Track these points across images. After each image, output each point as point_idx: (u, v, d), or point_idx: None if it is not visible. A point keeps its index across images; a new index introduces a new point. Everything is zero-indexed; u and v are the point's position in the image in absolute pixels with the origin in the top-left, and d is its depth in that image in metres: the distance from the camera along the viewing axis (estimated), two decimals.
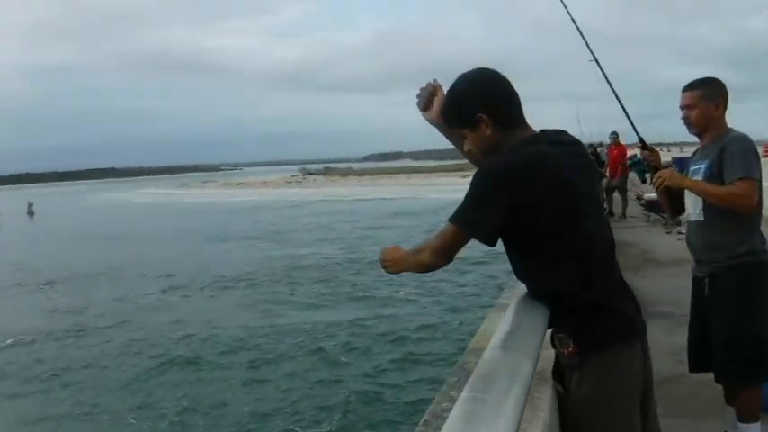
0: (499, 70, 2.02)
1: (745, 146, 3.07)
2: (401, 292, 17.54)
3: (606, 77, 3.47)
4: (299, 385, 11.37)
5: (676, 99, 3.25)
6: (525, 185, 1.81)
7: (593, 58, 3.49)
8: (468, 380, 1.18)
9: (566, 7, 3.40)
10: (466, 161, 2.25)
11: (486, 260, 18.76)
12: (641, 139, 3.45)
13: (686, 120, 3.21)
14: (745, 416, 3.19)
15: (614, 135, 14.80)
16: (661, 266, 8.15)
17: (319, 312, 16.45)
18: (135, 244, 31.98)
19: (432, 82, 2.29)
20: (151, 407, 10.74)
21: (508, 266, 2.04)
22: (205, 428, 9.93)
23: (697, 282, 3.33)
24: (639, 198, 15.16)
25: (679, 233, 11.01)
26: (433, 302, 16.78)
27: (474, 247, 2.00)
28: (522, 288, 1.96)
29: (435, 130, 2.26)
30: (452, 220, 1.87)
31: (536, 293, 1.99)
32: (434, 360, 11.93)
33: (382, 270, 2.19)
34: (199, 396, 11.20)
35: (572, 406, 1.90)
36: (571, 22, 3.37)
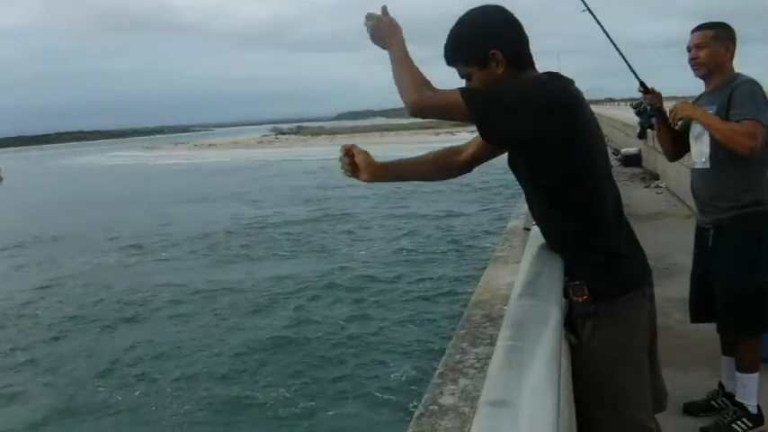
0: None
1: (755, 89, 3.03)
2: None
3: (601, 25, 3.41)
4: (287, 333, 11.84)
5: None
6: (559, 111, 1.79)
7: (585, 8, 3.42)
8: (487, 334, 1.16)
9: None
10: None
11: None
12: (642, 83, 3.41)
13: (694, 60, 3.15)
14: (746, 366, 3.23)
15: None
16: (640, 220, 8.22)
17: (279, 267, 17.11)
18: (104, 207, 32.03)
19: (343, 146, 2.11)
20: (116, 369, 10.93)
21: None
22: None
23: (701, 232, 3.32)
24: (616, 153, 15.28)
25: (657, 187, 11.16)
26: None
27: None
28: (531, 239, 1.95)
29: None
30: (465, 94, 1.79)
31: (553, 239, 1.98)
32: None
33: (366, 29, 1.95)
34: (162, 345, 11.71)
35: (585, 354, 1.91)
36: None
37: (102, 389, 10.03)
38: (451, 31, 1.96)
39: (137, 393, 9.74)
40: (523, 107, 1.77)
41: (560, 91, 1.83)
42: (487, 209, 24.45)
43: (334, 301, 13.67)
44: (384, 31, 1.92)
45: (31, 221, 28.27)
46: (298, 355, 10.78)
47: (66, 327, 13.25)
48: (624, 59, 3.44)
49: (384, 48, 1.92)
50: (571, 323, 1.92)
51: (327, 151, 61.70)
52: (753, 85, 3.04)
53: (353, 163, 2.06)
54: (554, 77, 1.88)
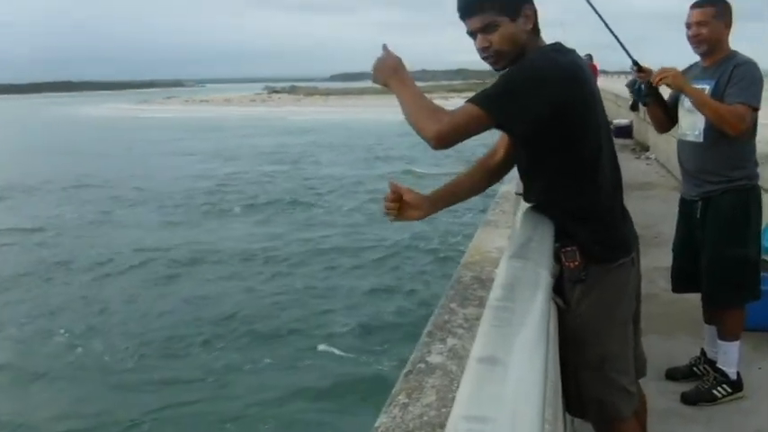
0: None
1: (756, 73, 3.07)
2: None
3: (594, 8, 3.41)
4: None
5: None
6: (570, 87, 1.80)
7: None
8: (476, 295, 1.18)
9: None
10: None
11: None
12: (635, 62, 3.41)
13: (696, 37, 3.16)
14: (728, 335, 3.31)
15: (589, 56, 14.85)
16: (630, 190, 8.25)
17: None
18: (84, 158, 32.37)
19: (391, 188, 2.04)
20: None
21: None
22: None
23: (688, 204, 3.36)
24: (608, 123, 15.29)
25: (647, 159, 11.20)
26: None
27: None
28: (523, 203, 1.97)
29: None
30: (480, 103, 1.75)
31: (548, 208, 1.98)
32: None
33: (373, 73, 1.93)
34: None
35: (572, 318, 1.95)
36: None
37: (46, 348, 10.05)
38: None
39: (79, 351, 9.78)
40: (539, 90, 1.76)
41: (570, 65, 1.82)
42: None
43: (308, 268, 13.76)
44: (387, 70, 1.88)
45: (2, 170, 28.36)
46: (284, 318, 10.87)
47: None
48: (618, 41, 3.45)
49: (387, 86, 1.88)
50: (560, 288, 1.95)
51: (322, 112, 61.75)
52: (754, 68, 3.07)
53: (401, 204, 2.02)
54: (560, 51, 1.87)
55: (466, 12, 1.88)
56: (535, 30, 1.90)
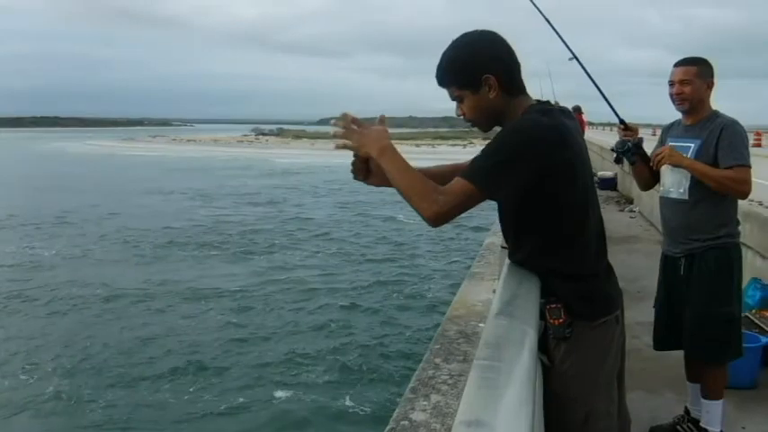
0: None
1: (743, 133, 3.15)
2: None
3: (588, 73, 3.48)
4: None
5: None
6: (556, 151, 1.80)
7: (572, 56, 3.49)
8: (461, 350, 1.17)
9: (539, 10, 3.34)
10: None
11: None
12: (622, 121, 3.47)
13: (679, 95, 3.22)
14: (711, 393, 3.29)
15: (577, 107, 15.07)
16: (614, 243, 8.32)
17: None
18: (58, 193, 32.22)
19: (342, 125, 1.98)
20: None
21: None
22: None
23: (671, 261, 3.37)
24: (593, 175, 15.46)
25: (631, 212, 11.30)
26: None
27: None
28: (507, 254, 1.96)
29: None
30: (473, 179, 1.77)
31: (533, 267, 1.97)
32: None
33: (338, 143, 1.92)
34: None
35: (557, 376, 1.92)
36: (546, 22, 3.33)
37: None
38: (445, 52, 1.95)
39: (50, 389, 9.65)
40: (526, 158, 1.77)
41: (556, 128, 1.83)
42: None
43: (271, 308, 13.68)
44: (377, 144, 1.88)
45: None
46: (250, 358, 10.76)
47: None
48: (606, 99, 3.52)
49: (373, 155, 1.87)
50: (544, 344, 1.94)
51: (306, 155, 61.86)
52: (740, 128, 3.16)
53: (366, 167, 2.02)
54: (545, 112, 1.88)
55: (438, 84, 1.99)
56: (510, 91, 1.92)
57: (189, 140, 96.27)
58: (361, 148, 1.89)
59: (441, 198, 1.75)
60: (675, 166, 3.22)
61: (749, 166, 3.09)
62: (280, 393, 9.38)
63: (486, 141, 1.92)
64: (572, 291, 1.91)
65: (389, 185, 1.99)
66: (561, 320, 1.88)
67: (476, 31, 1.97)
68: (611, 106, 3.42)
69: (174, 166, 51.70)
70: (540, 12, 3.29)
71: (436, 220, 1.76)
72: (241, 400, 9.21)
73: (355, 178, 2.07)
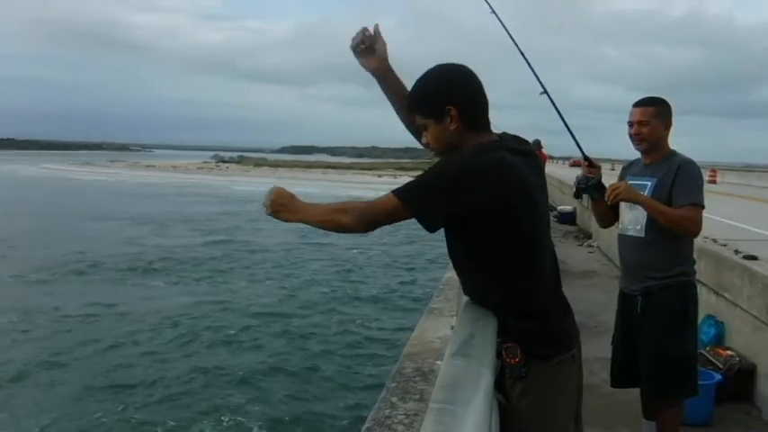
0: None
1: (698, 173, 3.21)
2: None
3: (557, 109, 3.53)
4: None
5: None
6: (491, 189, 1.79)
7: (543, 91, 3.53)
8: (417, 388, 1.14)
9: (514, 41, 3.39)
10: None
11: None
12: (587, 158, 3.51)
13: (637, 135, 3.27)
14: (667, 431, 3.30)
15: (537, 142, 15.25)
16: (573, 278, 8.41)
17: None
18: (5, 218, 31.13)
19: (371, 27, 2.23)
20: None
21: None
22: None
23: (628, 299, 3.39)
24: (552, 209, 15.64)
25: (590, 246, 11.43)
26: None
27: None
28: (462, 295, 1.94)
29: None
30: (399, 195, 1.82)
31: (486, 305, 1.96)
32: None
33: (266, 212, 1.99)
34: None
35: (513, 415, 1.90)
36: (519, 52, 3.38)
37: None
38: (417, 81, 2.00)
39: None
40: (453, 189, 1.79)
41: (494, 165, 1.83)
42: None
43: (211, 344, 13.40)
44: (284, 198, 1.96)
45: None
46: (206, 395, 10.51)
47: None
48: (574, 139, 3.57)
49: (288, 217, 1.95)
50: (501, 383, 1.91)
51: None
52: (695, 168, 3.22)
53: (370, 45, 2.21)
54: (487, 149, 1.88)
55: (408, 109, 2.07)
56: (471, 126, 1.94)
57: (148, 166, 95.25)
58: (276, 215, 1.96)
59: (359, 208, 1.87)
60: (630, 201, 3.26)
61: (702, 206, 3.14)
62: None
63: None
64: (527, 329, 1.90)
65: (378, 73, 2.24)
66: (517, 359, 1.87)
67: (449, 63, 2.00)
68: (576, 143, 3.46)
69: (129, 191, 50.95)
70: (517, 46, 3.35)
71: (360, 223, 1.85)
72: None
73: (356, 53, 2.22)
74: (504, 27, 3.34)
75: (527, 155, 1.97)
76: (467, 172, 1.80)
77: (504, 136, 2.00)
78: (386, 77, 2.28)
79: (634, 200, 3.22)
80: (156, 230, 29.36)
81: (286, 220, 1.96)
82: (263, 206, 1.96)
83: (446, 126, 1.92)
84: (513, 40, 3.26)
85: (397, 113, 2.32)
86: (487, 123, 1.99)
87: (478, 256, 1.92)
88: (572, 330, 2.04)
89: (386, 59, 2.26)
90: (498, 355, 1.87)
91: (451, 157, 1.90)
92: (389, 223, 1.87)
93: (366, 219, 1.85)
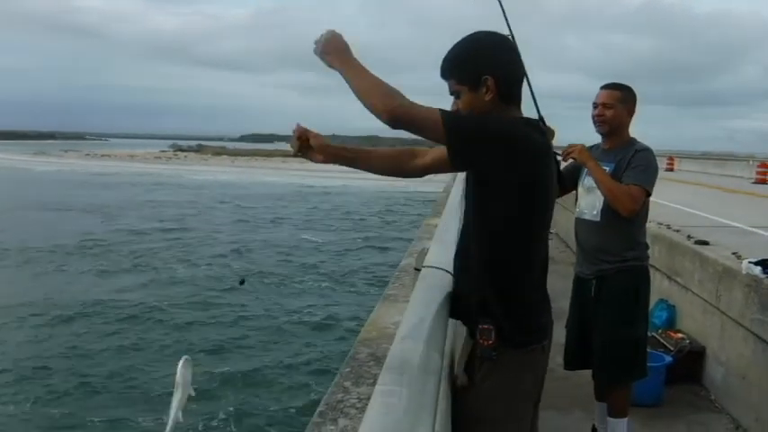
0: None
1: (652, 160, 3.28)
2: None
3: (534, 98, 3.54)
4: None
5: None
6: (527, 163, 1.78)
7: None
8: (371, 373, 1.15)
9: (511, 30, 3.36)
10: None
11: None
12: (542, 118, 3.55)
13: (600, 117, 3.31)
14: (617, 412, 3.38)
15: None
16: None
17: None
18: None
19: (297, 130, 2.03)
20: None
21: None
22: None
23: (583, 282, 3.45)
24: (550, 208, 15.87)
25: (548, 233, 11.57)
26: None
27: None
28: (419, 281, 1.94)
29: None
30: (444, 113, 1.75)
31: (473, 280, 1.93)
32: None
33: (314, 50, 1.87)
34: None
35: (474, 395, 1.89)
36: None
37: None
38: (454, 45, 1.94)
39: None
40: (500, 145, 1.76)
41: (535, 141, 1.83)
42: None
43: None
44: (339, 44, 1.85)
45: None
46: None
47: None
48: (534, 101, 3.59)
49: (334, 62, 1.84)
50: (470, 363, 1.91)
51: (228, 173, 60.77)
52: (652, 156, 3.30)
53: (306, 145, 2.00)
54: (533, 126, 1.88)
55: (441, 76, 1.96)
56: (506, 98, 1.89)
57: (104, 155, 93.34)
58: (324, 56, 1.85)
59: (405, 101, 1.73)
60: (581, 162, 3.33)
61: (646, 191, 3.20)
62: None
63: None
64: (507, 314, 1.89)
65: (334, 162, 2.03)
66: (491, 342, 1.86)
67: (490, 31, 1.94)
68: (535, 102, 3.49)
69: (84, 180, 49.96)
70: (510, 30, 3.30)
71: (391, 113, 1.72)
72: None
73: (296, 154, 2.04)
74: (504, 12, 3.24)
75: (550, 145, 1.97)
76: (515, 135, 1.78)
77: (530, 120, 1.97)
78: (351, 162, 2.11)
79: (584, 161, 3.28)
80: (105, 220, 29.02)
81: (330, 65, 1.84)
82: (314, 43, 1.86)
83: (481, 96, 1.86)
84: (508, 25, 3.21)
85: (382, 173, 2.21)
86: (520, 100, 1.95)
87: (490, 226, 1.88)
88: (548, 323, 2.05)
89: (327, 146, 2.05)
90: (472, 334, 1.88)
91: (508, 120, 1.85)
92: (415, 131, 1.77)
93: (400, 111, 1.73)
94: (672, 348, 5.08)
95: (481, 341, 1.87)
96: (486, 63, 1.87)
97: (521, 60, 1.94)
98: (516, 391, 1.93)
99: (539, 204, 1.88)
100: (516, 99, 1.93)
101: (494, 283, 1.89)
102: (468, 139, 1.76)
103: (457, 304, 1.98)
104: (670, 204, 9.27)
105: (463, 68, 1.89)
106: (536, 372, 2.00)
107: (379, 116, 1.74)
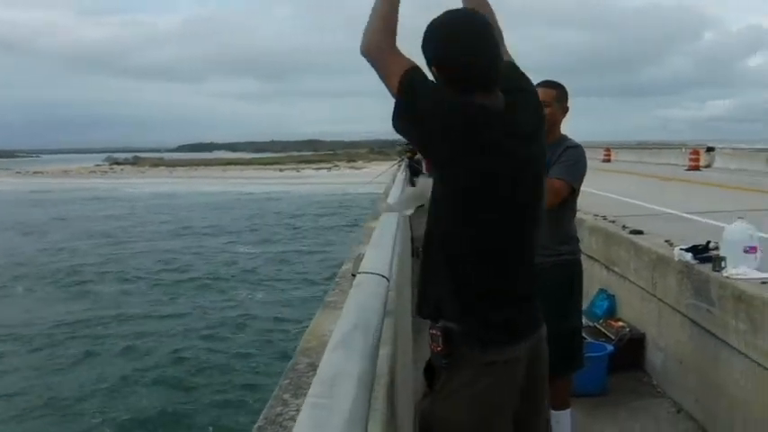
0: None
1: (581, 158, 3.35)
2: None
3: None
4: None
5: None
6: (458, 136, 1.72)
7: None
8: (311, 384, 1.13)
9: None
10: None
11: None
12: None
13: None
14: (559, 404, 3.41)
15: None
16: None
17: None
18: None
19: None
20: None
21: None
22: None
23: None
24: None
25: None
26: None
27: None
28: (353, 287, 1.90)
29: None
30: (409, 67, 1.76)
31: (432, 282, 1.85)
32: None
33: None
34: None
35: (431, 405, 1.80)
36: None
37: None
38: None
39: None
40: (424, 117, 1.73)
41: (455, 111, 1.73)
42: None
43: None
44: None
45: None
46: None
47: None
48: None
49: None
50: (427, 369, 1.83)
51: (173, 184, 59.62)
52: (581, 153, 3.37)
53: None
54: (479, 114, 1.75)
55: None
56: (454, 84, 1.76)
57: (36, 173, 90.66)
58: None
59: (390, 47, 1.81)
60: None
61: (571, 186, 3.27)
62: None
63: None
64: (457, 311, 1.77)
65: None
66: (440, 348, 1.74)
67: (451, 10, 1.85)
68: None
69: (15, 199, 48.67)
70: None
71: (370, 45, 1.82)
72: None
73: None
74: None
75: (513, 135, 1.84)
76: (438, 111, 1.73)
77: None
78: None
79: None
80: (31, 238, 28.46)
81: None
82: None
83: (438, 80, 1.80)
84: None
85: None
86: (486, 84, 1.78)
87: (441, 204, 1.83)
88: (516, 319, 1.89)
89: None
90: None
91: (445, 99, 1.76)
92: (377, 70, 1.80)
93: (374, 53, 1.81)
94: (613, 337, 5.18)
95: (432, 347, 1.78)
96: (428, 48, 1.80)
97: (477, 44, 1.76)
98: (478, 402, 1.76)
99: (477, 177, 1.74)
100: (478, 85, 1.76)
101: (449, 279, 1.78)
102: (407, 104, 1.75)
103: (422, 305, 1.88)
104: (607, 195, 9.49)
105: (423, 53, 1.84)
106: (503, 378, 1.80)
107: (363, 39, 1.82)
